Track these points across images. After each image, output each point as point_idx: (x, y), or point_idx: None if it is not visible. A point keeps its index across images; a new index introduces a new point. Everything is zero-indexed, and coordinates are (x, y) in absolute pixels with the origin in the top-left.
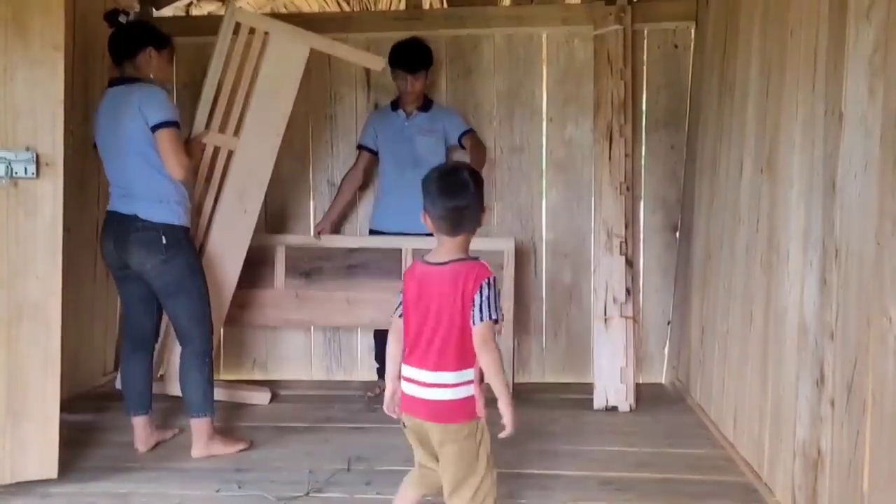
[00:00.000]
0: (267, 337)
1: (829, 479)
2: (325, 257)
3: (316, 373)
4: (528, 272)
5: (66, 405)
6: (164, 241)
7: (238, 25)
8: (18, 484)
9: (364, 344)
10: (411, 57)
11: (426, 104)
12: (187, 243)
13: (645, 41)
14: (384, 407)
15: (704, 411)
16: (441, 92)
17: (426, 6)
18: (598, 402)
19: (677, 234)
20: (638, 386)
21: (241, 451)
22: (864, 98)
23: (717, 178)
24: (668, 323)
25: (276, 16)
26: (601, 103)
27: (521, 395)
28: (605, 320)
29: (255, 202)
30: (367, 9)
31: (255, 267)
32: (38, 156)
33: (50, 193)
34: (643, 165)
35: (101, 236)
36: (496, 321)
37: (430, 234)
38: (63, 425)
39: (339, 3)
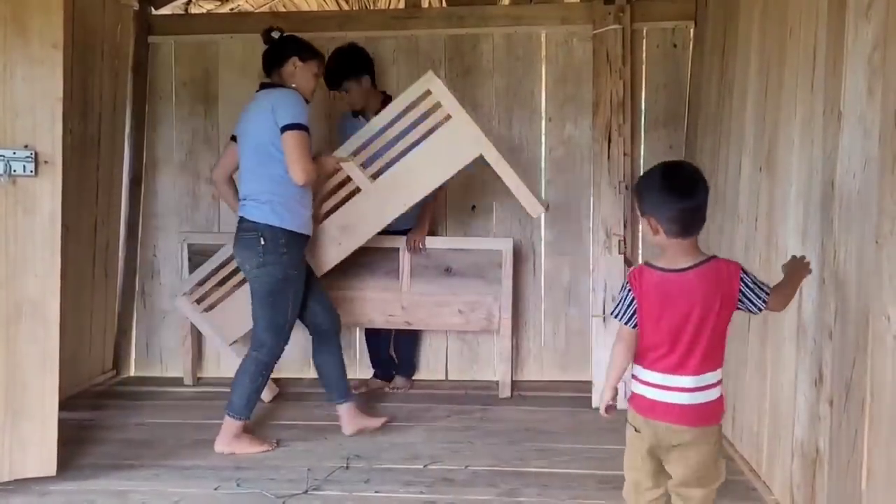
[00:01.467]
0: None
1: (827, 477)
2: None
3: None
4: (527, 271)
5: (65, 403)
6: (262, 243)
7: (428, 92)
8: (17, 481)
9: (363, 342)
10: (328, 75)
11: (384, 103)
12: (289, 249)
13: (644, 40)
14: (602, 410)
15: None
16: None
17: (425, 5)
18: (597, 401)
19: None
20: None
21: (265, 451)
22: (863, 97)
23: (716, 177)
24: None
25: (276, 15)
26: (600, 102)
27: (520, 393)
28: (604, 319)
29: (352, 242)
30: (366, 7)
31: None
32: (36, 154)
33: (49, 192)
34: (642, 165)
35: (235, 238)
36: (768, 292)
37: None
38: (62, 423)
39: (337, 2)
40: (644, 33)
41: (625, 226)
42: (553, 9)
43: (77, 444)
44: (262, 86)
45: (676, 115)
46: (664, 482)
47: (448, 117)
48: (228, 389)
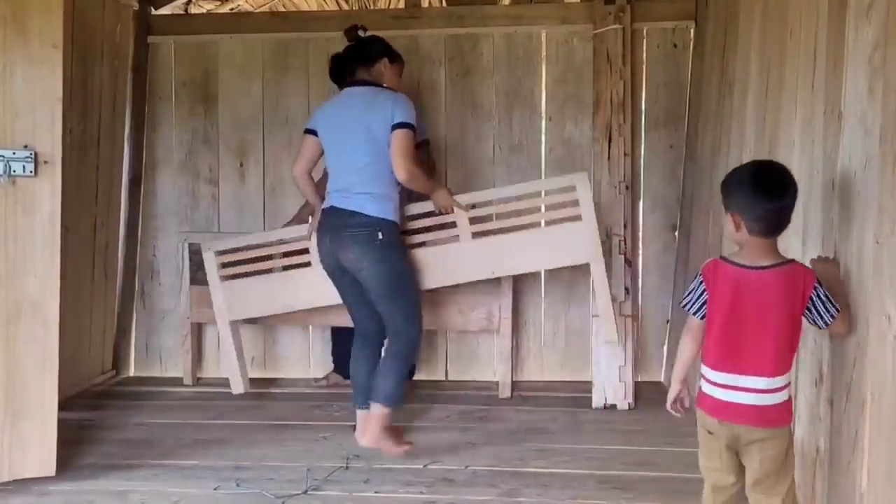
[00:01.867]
0: (265, 335)
1: (827, 478)
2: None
3: (314, 370)
4: None
5: (65, 403)
6: (380, 237)
7: (572, 188)
8: (17, 482)
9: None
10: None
11: None
12: (401, 242)
13: (644, 40)
14: (668, 406)
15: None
16: (440, 91)
17: (425, 4)
18: (597, 401)
19: (676, 232)
20: (637, 384)
21: (405, 451)
22: (863, 97)
23: (716, 176)
24: (667, 321)
25: (276, 15)
26: (600, 102)
27: (520, 393)
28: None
29: (421, 281)
30: (366, 7)
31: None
32: (36, 154)
33: (48, 192)
34: (642, 164)
35: (318, 234)
36: (838, 311)
37: None
38: (61, 423)
39: (338, 2)
40: (644, 33)
41: (625, 226)
42: (553, 8)
43: (76, 445)
44: (353, 83)
45: (677, 114)
46: (742, 477)
47: (577, 218)
48: (226, 389)
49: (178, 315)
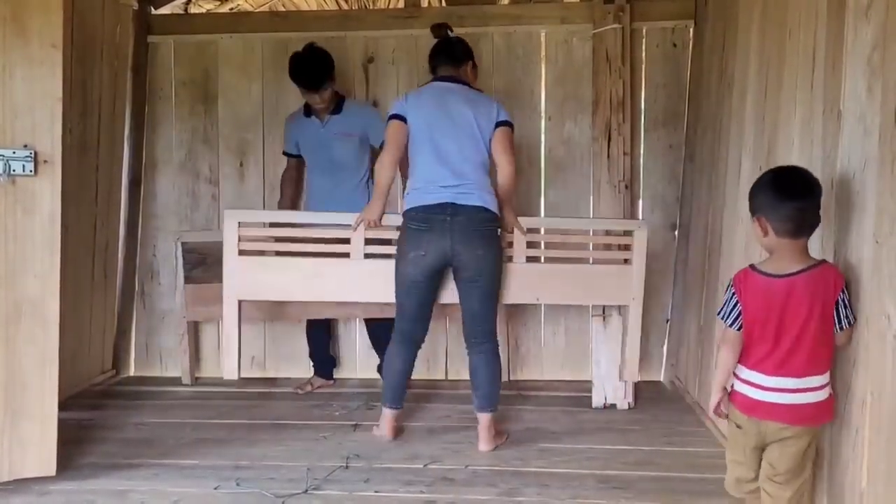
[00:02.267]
0: (265, 334)
1: (827, 477)
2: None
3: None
4: None
5: (65, 403)
6: (499, 234)
7: (630, 233)
8: (17, 481)
9: (362, 342)
10: (309, 75)
11: (338, 105)
12: None
13: (644, 40)
14: (710, 411)
15: (703, 409)
16: None
17: (424, 4)
18: (597, 400)
19: (676, 232)
20: (636, 384)
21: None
22: (862, 97)
23: (715, 176)
24: (667, 321)
25: (276, 14)
26: (600, 102)
27: (520, 393)
28: (604, 318)
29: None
30: (366, 7)
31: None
32: (36, 154)
33: (48, 191)
34: (642, 164)
35: (421, 231)
36: (855, 320)
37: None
38: (61, 423)
39: (337, 2)
40: (644, 33)
41: None
42: (553, 8)
43: (76, 444)
44: (444, 78)
45: (676, 114)
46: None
47: (626, 262)
48: (227, 389)
49: (177, 315)
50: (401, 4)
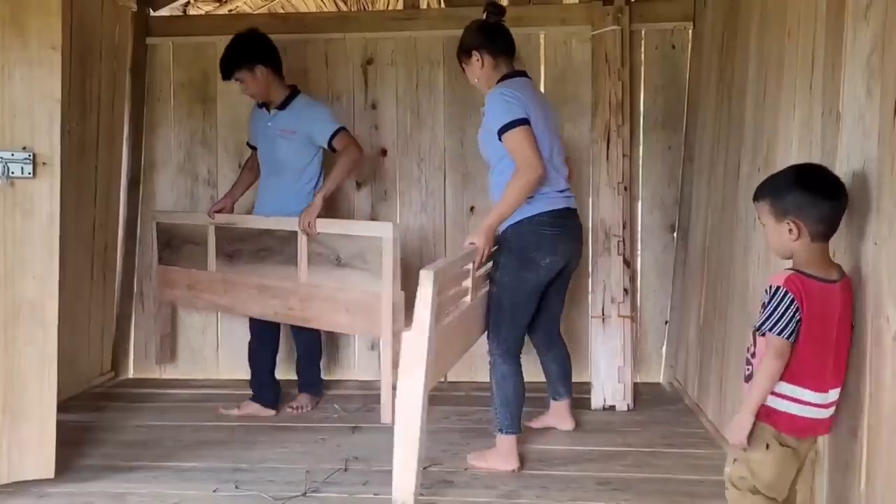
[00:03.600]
0: None
1: (826, 478)
2: (243, 238)
3: None
4: None
5: (63, 405)
6: None
7: None
8: (15, 484)
9: (362, 342)
10: (223, 64)
11: (287, 99)
12: None
13: (643, 42)
14: (737, 441)
15: (702, 411)
16: (439, 92)
17: (423, 6)
18: (596, 402)
19: (675, 233)
20: (636, 385)
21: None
22: (861, 98)
23: (714, 177)
24: (666, 322)
25: (275, 16)
26: (599, 103)
27: None
28: (603, 320)
29: None
30: (365, 8)
31: (192, 246)
32: (34, 155)
33: (47, 193)
34: (641, 166)
35: (559, 236)
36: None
37: None
38: (60, 425)
39: (336, 3)
40: (643, 34)
41: (623, 227)
42: (552, 10)
43: (75, 446)
44: (524, 73)
45: (675, 116)
46: None
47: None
48: (226, 391)
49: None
50: (400, 6)
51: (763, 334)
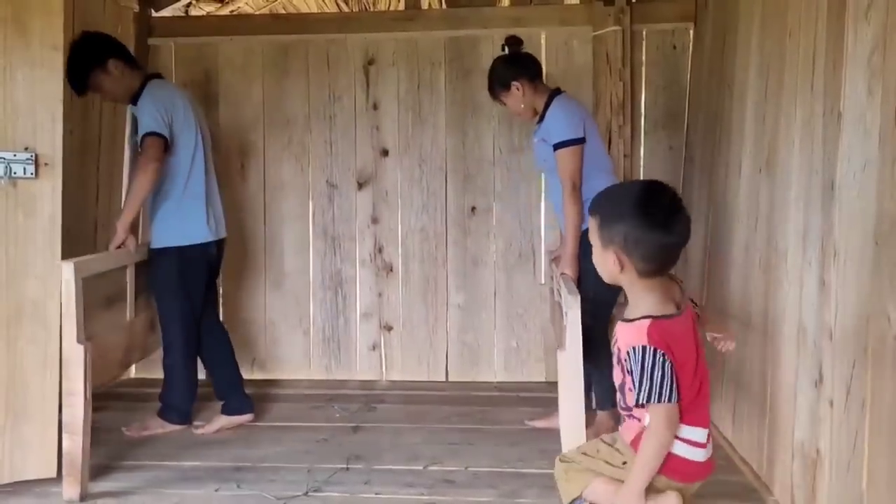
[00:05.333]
0: (266, 336)
1: (827, 478)
2: None
3: (315, 372)
4: (527, 272)
5: None
6: None
7: None
8: (18, 483)
9: (363, 343)
10: (70, 81)
11: (137, 93)
12: None
13: (644, 42)
14: None
15: None
16: (440, 93)
17: (425, 6)
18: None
19: None
20: None
21: None
22: (862, 98)
23: (715, 178)
24: None
25: (276, 17)
26: (600, 104)
27: (520, 394)
28: None
29: None
30: (366, 9)
31: None
32: (37, 156)
33: (49, 193)
34: (642, 166)
35: None
36: None
37: None
38: (62, 425)
39: (337, 4)
40: (644, 35)
41: None
42: (553, 10)
43: None
44: (560, 90)
45: (676, 116)
46: None
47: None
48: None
49: None
50: (401, 6)
51: (644, 406)
